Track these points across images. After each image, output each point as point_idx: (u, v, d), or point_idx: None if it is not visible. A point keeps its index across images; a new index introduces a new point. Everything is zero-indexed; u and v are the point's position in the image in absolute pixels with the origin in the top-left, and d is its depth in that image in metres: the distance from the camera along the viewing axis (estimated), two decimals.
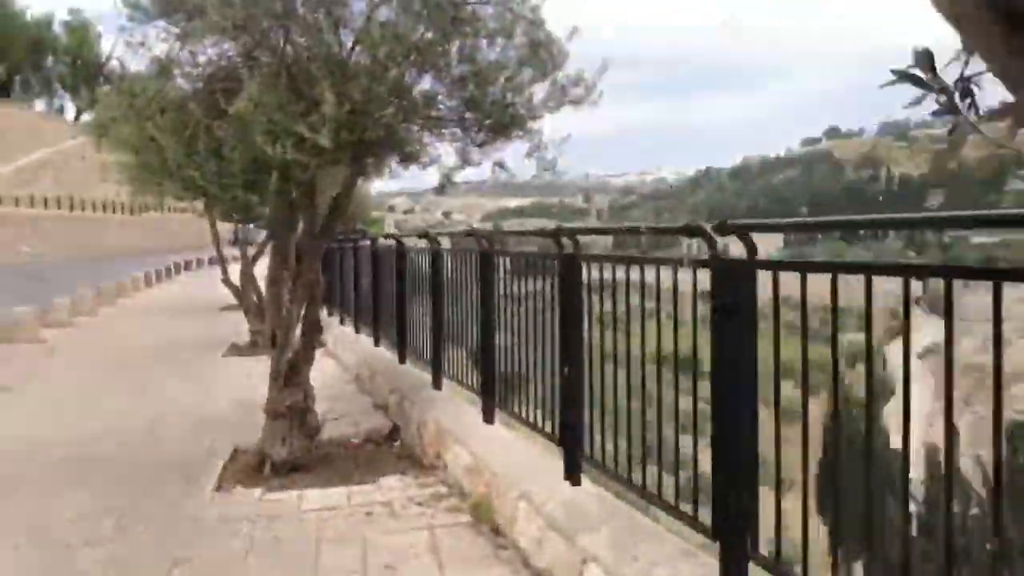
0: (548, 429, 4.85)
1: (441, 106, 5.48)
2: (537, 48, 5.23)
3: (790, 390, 2.84)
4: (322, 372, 8.99)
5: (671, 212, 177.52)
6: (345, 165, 5.65)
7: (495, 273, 5.74)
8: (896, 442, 2.53)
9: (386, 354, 9.43)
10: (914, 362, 2.60)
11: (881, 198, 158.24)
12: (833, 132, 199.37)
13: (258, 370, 9.28)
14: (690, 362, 3.34)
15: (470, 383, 6.41)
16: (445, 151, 5.64)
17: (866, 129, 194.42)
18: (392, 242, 9.25)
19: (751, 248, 3.05)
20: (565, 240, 4.56)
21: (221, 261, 14.06)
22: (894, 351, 2.65)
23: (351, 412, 8.19)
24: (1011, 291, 2.19)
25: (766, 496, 3.03)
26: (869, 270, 2.57)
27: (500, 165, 5.66)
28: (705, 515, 3.28)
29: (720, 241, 3.18)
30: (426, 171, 5.81)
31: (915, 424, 2.50)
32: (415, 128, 5.53)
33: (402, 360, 8.63)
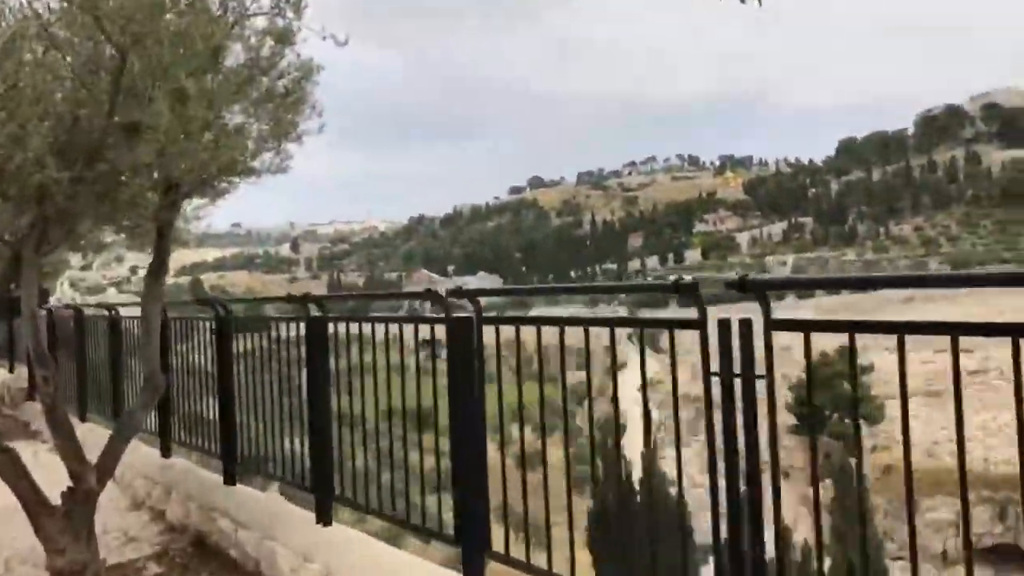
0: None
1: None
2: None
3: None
4: None
5: (386, 260, 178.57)
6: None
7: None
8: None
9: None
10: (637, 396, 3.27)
11: (588, 241, 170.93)
12: (536, 181, 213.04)
13: None
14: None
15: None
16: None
17: (566, 178, 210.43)
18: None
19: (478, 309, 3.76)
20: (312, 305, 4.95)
21: None
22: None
23: None
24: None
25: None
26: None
27: None
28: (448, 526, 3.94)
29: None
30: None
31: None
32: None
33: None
